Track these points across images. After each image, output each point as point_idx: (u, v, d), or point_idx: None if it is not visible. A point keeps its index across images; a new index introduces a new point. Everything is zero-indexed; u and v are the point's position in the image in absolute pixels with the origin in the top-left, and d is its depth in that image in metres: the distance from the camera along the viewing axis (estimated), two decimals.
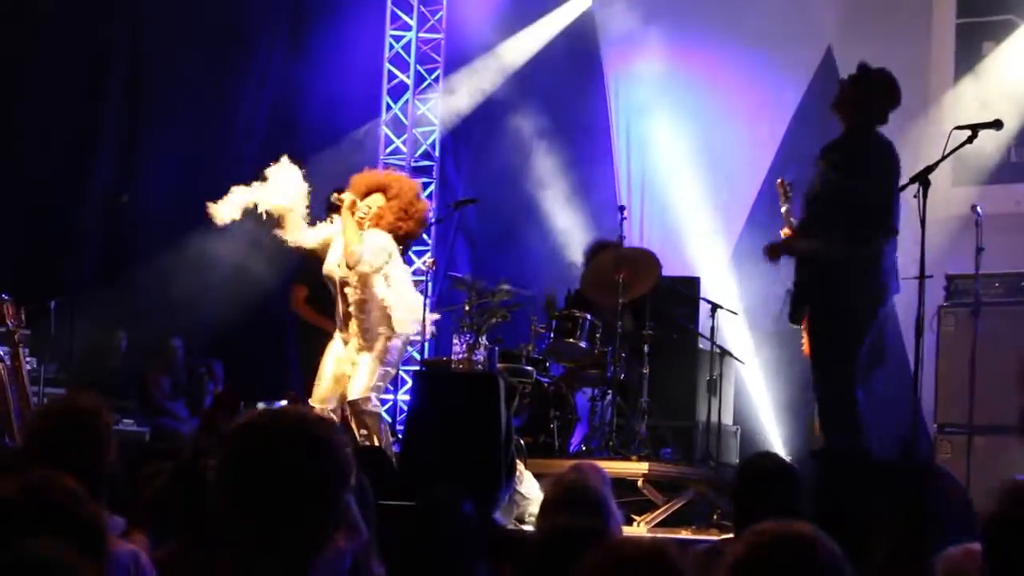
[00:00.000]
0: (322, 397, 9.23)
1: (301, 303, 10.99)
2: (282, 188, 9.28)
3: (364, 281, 9.14)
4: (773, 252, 8.42)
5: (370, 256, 9.01)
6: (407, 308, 9.26)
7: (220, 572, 3.00)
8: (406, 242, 9.53)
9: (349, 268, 9.05)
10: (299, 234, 9.31)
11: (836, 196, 8.10)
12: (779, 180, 8.76)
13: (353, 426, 9.01)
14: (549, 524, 4.15)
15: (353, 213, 9.11)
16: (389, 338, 9.17)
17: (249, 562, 2.91)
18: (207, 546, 4.45)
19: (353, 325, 9.19)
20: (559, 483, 5.04)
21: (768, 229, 9.53)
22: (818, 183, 8.23)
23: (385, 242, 9.12)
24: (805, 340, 8.36)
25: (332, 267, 9.25)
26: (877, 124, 8.27)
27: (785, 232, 8.48)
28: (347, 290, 9.20)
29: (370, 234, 9.13)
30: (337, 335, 9.37)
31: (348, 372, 9.19)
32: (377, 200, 9.24)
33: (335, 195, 9.25)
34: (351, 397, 9.06)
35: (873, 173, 8.09)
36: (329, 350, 9.37)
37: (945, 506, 4.75)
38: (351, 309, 9.19)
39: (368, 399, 9.09)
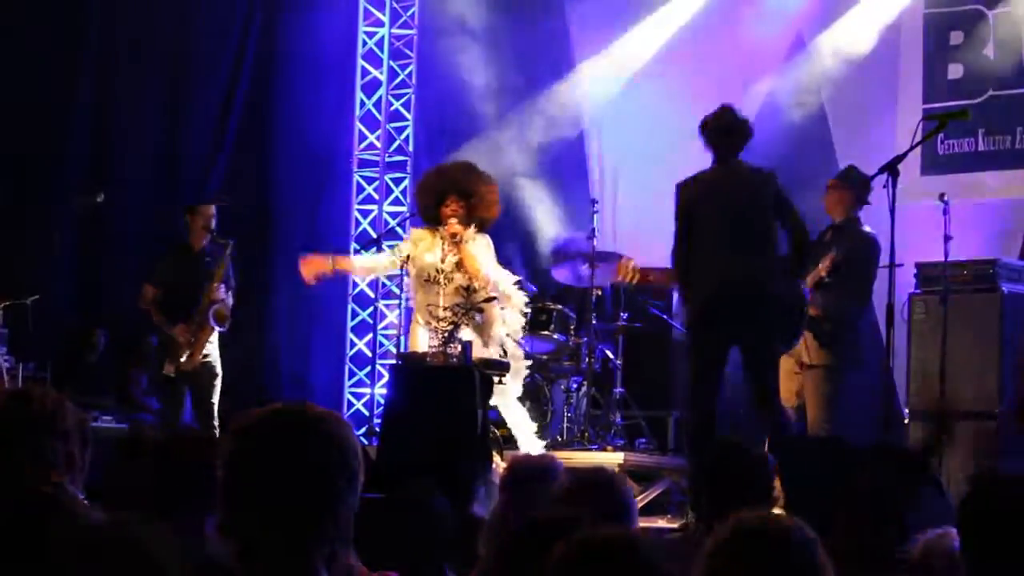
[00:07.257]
0: None
1: (149, 301, 11.01)
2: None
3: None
4: None
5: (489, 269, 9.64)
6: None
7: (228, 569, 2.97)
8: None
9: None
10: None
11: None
12: None
13: None
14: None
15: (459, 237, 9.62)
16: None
17: (256, 559, 2.89)
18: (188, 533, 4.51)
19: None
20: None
21: None
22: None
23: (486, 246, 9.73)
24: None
25: (433, 264, 9.71)
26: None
27: None
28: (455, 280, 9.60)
29: (474, 246, 9.65)
30: (423, 328, 9.66)
31: None
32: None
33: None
34: None
35: None
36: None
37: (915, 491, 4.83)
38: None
39: None
